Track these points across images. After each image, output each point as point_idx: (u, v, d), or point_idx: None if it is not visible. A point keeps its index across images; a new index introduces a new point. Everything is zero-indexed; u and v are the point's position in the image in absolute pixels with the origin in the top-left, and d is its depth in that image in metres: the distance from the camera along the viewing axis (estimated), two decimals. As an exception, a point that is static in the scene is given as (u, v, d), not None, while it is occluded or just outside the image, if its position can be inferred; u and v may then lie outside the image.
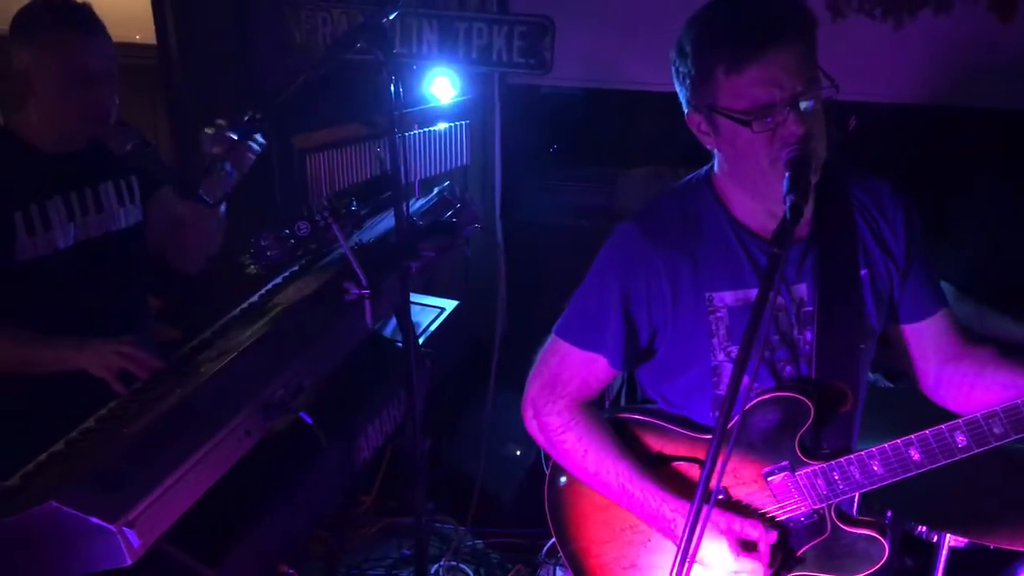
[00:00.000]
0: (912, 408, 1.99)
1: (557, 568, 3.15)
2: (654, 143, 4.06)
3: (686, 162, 3.88)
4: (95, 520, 1.45)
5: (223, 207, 2.46)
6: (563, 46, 3.29)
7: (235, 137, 2.25)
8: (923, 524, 2.33)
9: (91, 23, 2.29)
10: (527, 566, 3.23)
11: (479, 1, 3.66)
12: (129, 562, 1.48)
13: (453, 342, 3.02)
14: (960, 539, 2.31)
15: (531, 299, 3.27)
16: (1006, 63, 3.37)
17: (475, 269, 3.71)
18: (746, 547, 1.73)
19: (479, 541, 3.37)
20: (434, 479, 3.17)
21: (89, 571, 1.51)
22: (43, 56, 2.24)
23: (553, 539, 2.04)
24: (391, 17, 2.04)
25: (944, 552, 2.34)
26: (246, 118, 2.26)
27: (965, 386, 1.84)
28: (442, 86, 3.36)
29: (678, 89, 1.78)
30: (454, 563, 3.24)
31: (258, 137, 2.32)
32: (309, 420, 1.83)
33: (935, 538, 2.36)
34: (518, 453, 3.50)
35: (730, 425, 1.46)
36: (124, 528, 1.46)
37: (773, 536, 1.74)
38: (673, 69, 1.76)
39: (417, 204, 2.73)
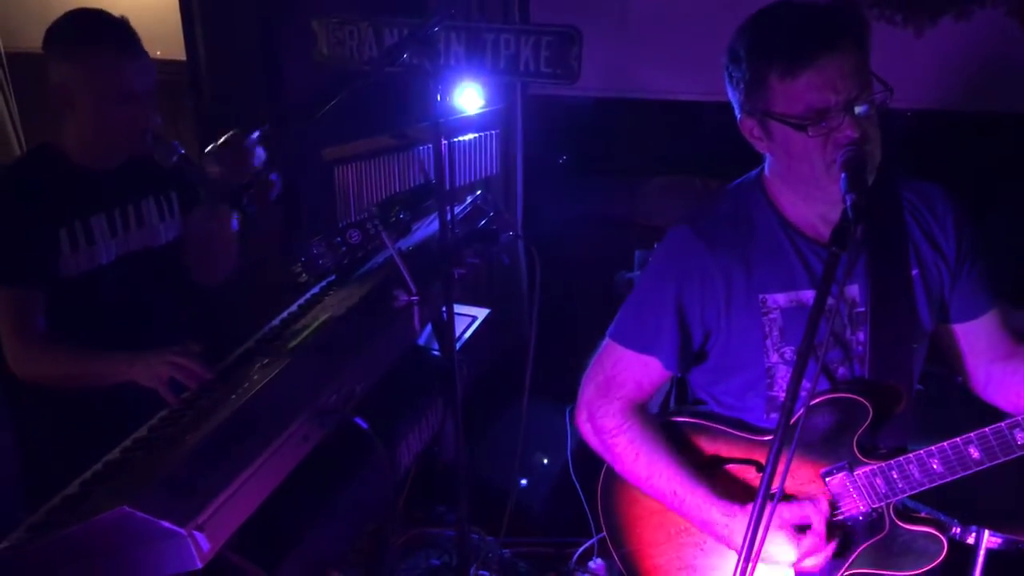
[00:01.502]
0: (942, 409, 2.01)
1: (585, 576, 3.16)
2: (675, 153, 4.09)
3: (705, 171, 3.96)
4: (167, 524, 1.45)
5: (235, 223, 2.49)
6: (584, 57, 3.32)
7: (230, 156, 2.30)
8: (959, 520, 2.33)
9: (132, 40, 2.28)
10: (557, 574, 3.23)
11: (501, 11, 3.69)
12: (199, 565, 1.48)
13: (485, 350, 3.02)
14: (995, 539, 2.33)
15: (555, 308, 3.29)
16: (1026, 68, 3.40)
17: (498, 278, 3.73)
18: (802, 530, 1.75)
19: (507, 551, 3.37)
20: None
21: (158, 574, 1.51)
22: (85, 73, 2.22)
23: (583, 547, 2.05)
24: (436, 29, 2.05)
25: (982, 553, 2.35)
26: (255, 134, 2.30)
27: (1016, 385, 1.86)
28: (469, 97, 3.38)
29: (730, 94, 1.80)
30: (484, 573, 3.24)
31: (260, 151, 2.36)
32: (364, 425, 1.84)
33: (970, 539, 2.37)
34: (545, 462, 3.51)
35: (792, 423, 1.47)
36: (194, 532, 1.46)
37: (824, 508, 1.76)
38: (726, 74, 1.78)
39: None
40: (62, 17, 2.26)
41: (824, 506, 1.76)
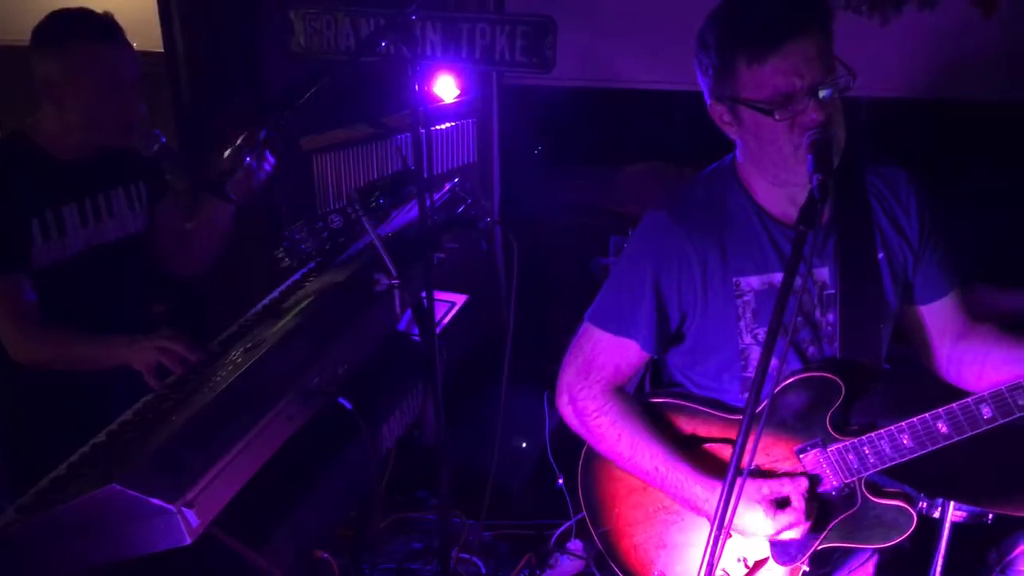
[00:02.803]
0: (911, 388, 2.06)
1: (563, 557, 3.21)
2: (648, 141, 4.14)
3: (679, 159, 4.01)
4: (156, 501, 1.47)
5: (231, 213, 2.53)
6: (558, 47, 3.36)
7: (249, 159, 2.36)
8: (924, 493, 2.38)
9: (117, 33, 2.32)
10: (536, 555, 3.28)
11: (477, 1, 3.72)
12: (188, 541, 1.50)
13: (464, 336, 3.07)
14: (960, 512, 2.39)
15: (532, 293, 3.33)
16: (990, 56, 3.48)
17: (476, 266, 3.77)
18: (780, 505, 1.80)
19: (487, 533, 3.42)
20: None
21: (148, 551, 1.54)
22: (74, 67, 2.26)
23: (561, 528, 2.09)
24: (414, 18, 2.08)
25: (947, 526, 2.41)
26: (262, 136, 2.33)
27: (976, 364, 1.92)
28: (445, 85, 3.42)
29: (700, 81, 1.84)
30: (465, 555, 3.28)
31: (269, 156, 2.40)
32: (348, 406, 1.87)
33: (936, 512, 2.44)
34: (524, 446, 3.56)
35: (760, 408, 1.52)
36: (183, 508, 1.49)
37: (803, 484, 1.81)
38: (695, 62, 1.82)
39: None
40: (49, 16, 2.30)
41: (803, 482, 1.81)
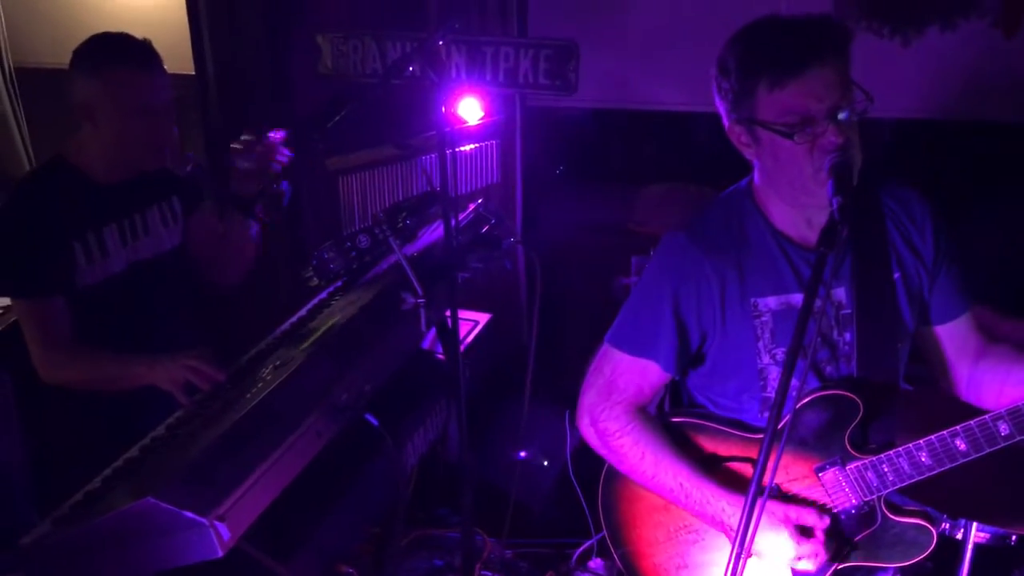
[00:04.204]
0: (931, 408, 2.08)
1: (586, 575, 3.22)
2: (668, 161, 4.18)
3: (699, 179, 4.04)
4: (189, 515, 1.51)
5: (255, 230, 2.58)
6: (581, 69, 3.41)
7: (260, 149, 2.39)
8: (946, 514, 2.38)
9: (155, 61, 2.39)
10: (557, 574, 3.30)
11: (501, 26, 3.78)
12: (220, 554, 1.54)
13: (487, 354, 3.10)
14: (983, 533, 2.39)
15: (554, 312, 3.37)
16: (1011, 77, 3.50)
17: (499, 285, 3.81)
18: (804, 533, 1.82)
19: (509, 551, 3.43)
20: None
21: (180, 564, 1.58)
22: (111, 91, 2.32)
23: (583, 547, 2.10)
24: (440, 43, 2.13)
25: (970, 547, 2.41)
26: (271, 132, 2.38)
27: (996, 383, 1.93)
28: (470, 107, 3.47)
29: (719, 104, 1.87)
30: (487, 573, 3.30)
31: (285, 150, 2.44)
32: (375, 422, 1.91)
33: (959, 534, 2.44)
34: (545, 464, 3.58)
35: (781, 425, 1.54)
36: (215, 521, 1.53)
37: (827, 521, 1.83)
38: (715, 85, 1.86)
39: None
40: (91, 39, 2.37)
41: (827, 519, 1.83)
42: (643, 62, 3.96)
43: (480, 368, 3.03)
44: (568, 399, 2.15)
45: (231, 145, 2.41)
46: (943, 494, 2.27)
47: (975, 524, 2.38)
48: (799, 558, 1.81)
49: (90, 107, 2.35)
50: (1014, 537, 2.40)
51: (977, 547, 2.42)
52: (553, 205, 4.21)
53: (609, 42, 3.94)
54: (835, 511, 1.88)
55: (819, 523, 1.82)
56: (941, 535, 2.46)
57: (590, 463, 2.16)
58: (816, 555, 1.80)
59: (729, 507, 1.86)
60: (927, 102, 3.63)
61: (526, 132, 3.90)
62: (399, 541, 3.14)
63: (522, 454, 3.49)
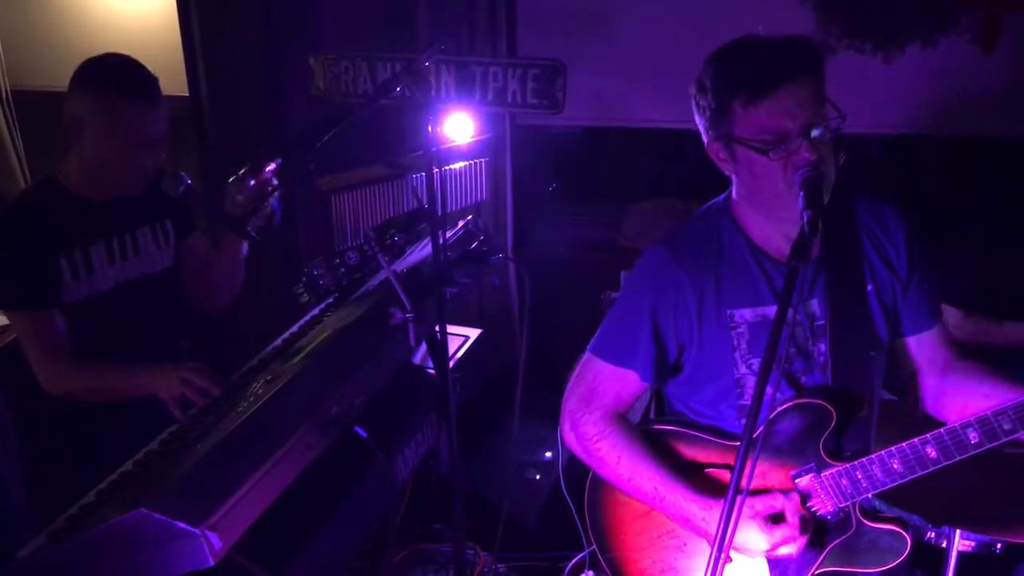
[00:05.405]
0: (914, 418, 2.12)
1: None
2: (657, 178, 4.24)
3: (688, 195, 4.10)
4: (181, 525, 1.55)
5: (245, 250, 2.62)
6: (569, 88, 3.46)
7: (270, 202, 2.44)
8: (930, 521, 2.41)
9: (155, 94, 2.38)
10: (550, 587, 3.33)
11: (490, 46, 3.84)
12: (212, 563, 1.57)
13: (477, 369, 3.14)
14: (968, 542, 2.42)
15: (543, 328, 3.41)
16: (991, 93, 3.56)
17: (489, 300, 3.86)
18: (775, 521, 1.86)
19: (501, 565, 3.46)
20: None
21: (173, 573, 1.62)
22: (106, 118, 2.32)
23: (575, 560, 2.14)
24: (428, 64, 2.18)
25: (953, 555, 2.45)
26: (268, 167, 2.42)
27: (960, 397, 1.97)
28: (459, 126, 3.52)
29: (698, 121, 1.93)
30: (480, 586, 3.33)
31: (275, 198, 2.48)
32: (364, 435, 1.95)
33: (944, 543, 2.47)
34: (537, 477, 3.61)
35: (756, 434, 1.58)
36: (207, 532, 1.56)
37: (794, 499, 1.87)
38: (693, 103, 1.92)
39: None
40: (95, 59, 2.37)
41: (795, 497, 1.87)
42: (631, 80, 4.01)
43: (471, 383, 3.07)
44: (559, 412, 2.18)
45: (229, 180, 2.43)
46: (927, 501, 2.32)
47: (959, 532, 2.41)
48: (775, 547, 1.84)
49: (81, 125, 2.35)
50: (999, 545, 2.43)
51: (963, 555, 2.44)
52: (544, 222, 4.26)
53: (597, 61, 3.99)
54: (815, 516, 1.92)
55: (787, 504, 1.86)
56: (926, 543, 2.51)
57: (582, 475, 2.20)
58: (792, 538, 1.83)
59: (699, 510, 1.90)
60: (909, 118, 3.69)
61: (516, 150, 3.96)
62: (393, 557, 3.17)
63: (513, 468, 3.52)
